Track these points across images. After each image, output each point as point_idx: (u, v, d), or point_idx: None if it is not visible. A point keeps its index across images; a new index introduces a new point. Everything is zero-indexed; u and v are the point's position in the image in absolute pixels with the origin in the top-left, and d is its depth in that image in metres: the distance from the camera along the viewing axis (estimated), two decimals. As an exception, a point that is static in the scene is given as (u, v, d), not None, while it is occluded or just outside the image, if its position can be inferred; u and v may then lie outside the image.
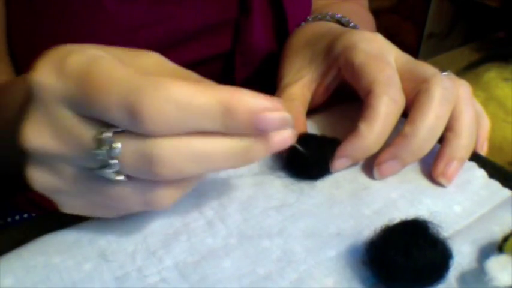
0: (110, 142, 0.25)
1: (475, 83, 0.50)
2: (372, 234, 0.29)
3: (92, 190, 0.28)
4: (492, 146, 0.40)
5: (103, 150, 0.25)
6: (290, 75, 0.42)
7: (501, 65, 0.56)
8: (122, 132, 0.25)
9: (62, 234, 0.32)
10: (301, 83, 0.41)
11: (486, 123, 0.41)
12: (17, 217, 0.55)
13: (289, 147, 0.37)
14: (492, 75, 0.54)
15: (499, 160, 0.39)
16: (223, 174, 0.36)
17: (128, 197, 0.27)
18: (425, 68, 0.37)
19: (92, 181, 0.27)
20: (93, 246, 0.31)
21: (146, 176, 0.26)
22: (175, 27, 0.44)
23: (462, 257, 0.30)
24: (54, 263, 0.30)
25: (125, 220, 0.32)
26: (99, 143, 0.25)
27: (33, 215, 0.56)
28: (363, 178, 0.36)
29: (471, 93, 0.38)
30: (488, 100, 0.49)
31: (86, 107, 0.25)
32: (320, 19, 0.48)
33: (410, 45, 1.52)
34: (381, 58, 0.37)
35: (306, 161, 0.35)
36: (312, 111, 0.41)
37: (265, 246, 0.31)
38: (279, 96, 0.41)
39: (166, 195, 0.27)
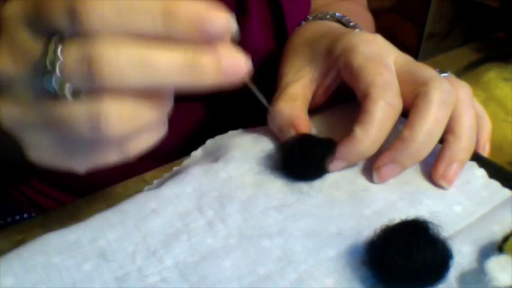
0: (53, 49, 0.25)
1: (475, 83, 0.50)
2: (372, 234, 0.29)
3: (46, 117, 0.27)
4: (492, 146, 0.40)
5: (46, 59, 0.25)
6: (290, 74, 0.42)
7: (501, 65, 0.56)
8: (68, 41, 0.25)
9: (62, 234, 0.32)
10: (302, 82, 0.41)
11: (487, 124, 0.41)
12: (17, 217, 0.55)
13: (285, 151, 0.37)
14: (492, 75, 0.54)
15: (499, 160, 0.39)
16: (223, 174, 0.36)
17: (76, 117, 0.26)
18: (424, 71, 0.37)
19: (45, 104, 0.27)
20: (93, 246, 0.31)
21: (87, 82, 0.25)
22: None
23: (462, 257, 0.30)
24: (54, 263, 0.30)
25: (125, 220, 0.32)
26: (45, 51, 0.25)
27: (33, 215, 0.56)
28: (363, 179, 0.36)
29: (471, 94, 0.38)
30: (488, 100, 0.49)
31: (37, 20, 0.26)
32: (320, 18, 0.48)
33: (410, 45, 1.52)
34: (379, 61, 0.37)
35: (300, 163, 0.36)
36: (312, 111, 0.41)
37: (266, 246, 0.31)
38: (280, 95, 0.41)
39: (113, 112, 0.26)
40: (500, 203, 0.34)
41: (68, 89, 0.25)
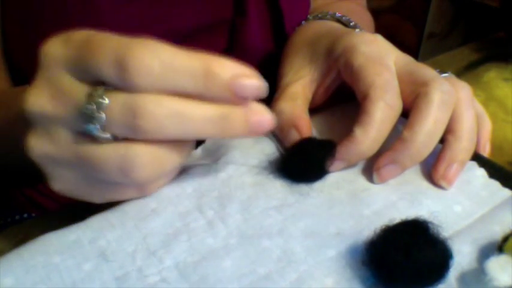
0: (100, 96, 0.27)
1: (475, 83, 0.50)
2: (372, 234, 0.29)
3: (79, 156, 0.29)
4: (492, 146, 0.40)
5: (92, 105, 0.27)
6: (290, 74, 0.42)
7: (501, 65, 0.56)
8: (112, 90, 0.27)
9: (62, 234, 0.32)
10: (302, 82, 0.41)
11: (487, 125, 0.41)
12: (17, 217, 0.55)
13: (285, 154, 0.37)
14: (492, 75, 0.54)
15: (499, 160, 0.39)
16: (223, 174, 0.36)
17: (108, 159, 0.28)
18: (425, 71, 0.37)
19: (80, 144, 0.29)
20: (93, 246, 0.31)
21: (129, 131, 0.27)
22: (170, 28, 0.44)
23: (462, 257, 0.30)
24: (54, 263, 0.30)
25: (125, 220, 0.32)
26: (90, 98, 0.27)
27: (33, 215, 0.56)
28: (363, 179, 0.36)
29: (472, 95, 0.38)
30: (488, 100, 0.49)
31: (82, 67, 0.28)
32: (320, 18, 0.48)
33: (410, 45, 1.52)
34: (379, 61, 0.37)
35: (299, 167, 0.36)
36: (312, 111, 0.41)
37: (266, 246, 0.31)
38: (280, 95, 0.41)
39: (145, 160, 0.28)
40: (500, 203, 0.34)
41: (106, 133, 0.28)
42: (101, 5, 0.41)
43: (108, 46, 0.27)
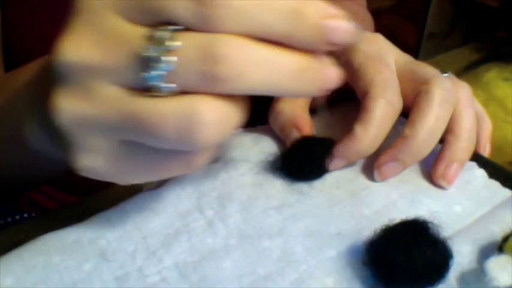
0: (168, 37, 0.22)
1: (475, 83, 0.50)
2: (372, 234, 0.29)
3: (129, 115, 0.24)
4: (492, 146, 0.40)
5: (157, 47, 0.22)
6: None
7: (501, 65, 0.56)
8: (182, 31, 0.23)
9: (62, 234, 0.32)
10: None
11: (487, 125, 0.41)
12: (17, 217, 0.55)
13: (285, 152, 0.37)
14: (492, 75, 0.54)
15: (499, 160, 0.39)
16: (223, 174, 0.36)
17: (168, 117, 0.23)
18: (425, 69, 0.37)
19: (132, 100, 0.24)
20: (93, 246, 0.31)
21: (204, 80, 0.23)
22: None
23: (462, 257, 0.30)
24: (54, 263, 0.30)
25: (125, 220, 0.32)
26: (154, 40, 0.22)
27: (33, 215, 0.56)
28: (363, 178, 0.36)
29: (471, 95, 0.38)
30: (488, 100, 0.49)
31: (145, 8, 0.23)
32: None
33: (410, 45, 1.52)
34: (379, 60, 0.37)
35: (299, 165, 0.36)
36: (312, 111, 0.41)
37: (266, 246, 0.31)
38: None
39: (212, 117, 0.23)
40: (500, 203, 0.34)
41: (172, 83, 0.23)
42: None
43: None
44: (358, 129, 0.35)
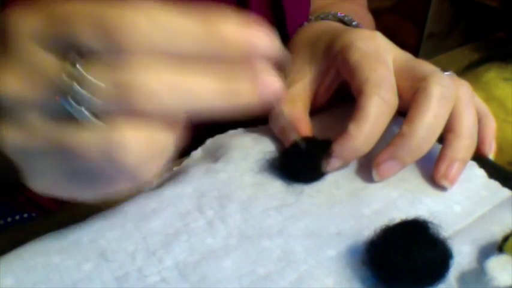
0: (80, 69, 0.23)
1: (475, 83, 0.50)
2: (372, 234, 0.29)
3: (57, 143, 0.25)
4: (492, 146, 0.40)
5: (71, 79, 0.23)
6: (291, 75, 0.42)
7: (501, 65, 0.56)
8: (95, 61, 0.23)
9: (62, 234, 0.32)
10: (302, 83, 0.41)
11: (492, 123, 0.40)
12: (17, 217, 0.55)
13: (283, 154, 0.37)
14: (492, 75, 0.54)
15: (499, 160, 0.38)
16: (223, 174, 0.36)
17: (91, 144, 0.24)
18: (424, 66, 0.36)
19: (57, 130, 0.24)
20: (93, 246, 0.31)
21: (120, 107, 0.23)
22: None
23: (462, 257, 0.30)
24: (54, 263, 0.30)
25: (125, 220, 0.32)
26: (68, 72, 0.23)
27: (33, 215, 0.56)
28: (362, 178, 0.36)
29: (472, 93, 0.37)
30: (488, 100, 0.49)
31: (56, 34, 0.23)
32: (323, 18, 0.48)
33: (410, 45, 1.52)
34: (376, 57, 0.36)
35: (298, 167, 0.36)
36: (313, 112, 0.41)
37: (265, 246, 0.31)
38: None
39: (133, 142, 0.23)
40: (500, 203, 0.34)
41: (87, 110, 0.23)
42: None
43: (85, 9, 0.23)
44: (352, 127, 0.34)
